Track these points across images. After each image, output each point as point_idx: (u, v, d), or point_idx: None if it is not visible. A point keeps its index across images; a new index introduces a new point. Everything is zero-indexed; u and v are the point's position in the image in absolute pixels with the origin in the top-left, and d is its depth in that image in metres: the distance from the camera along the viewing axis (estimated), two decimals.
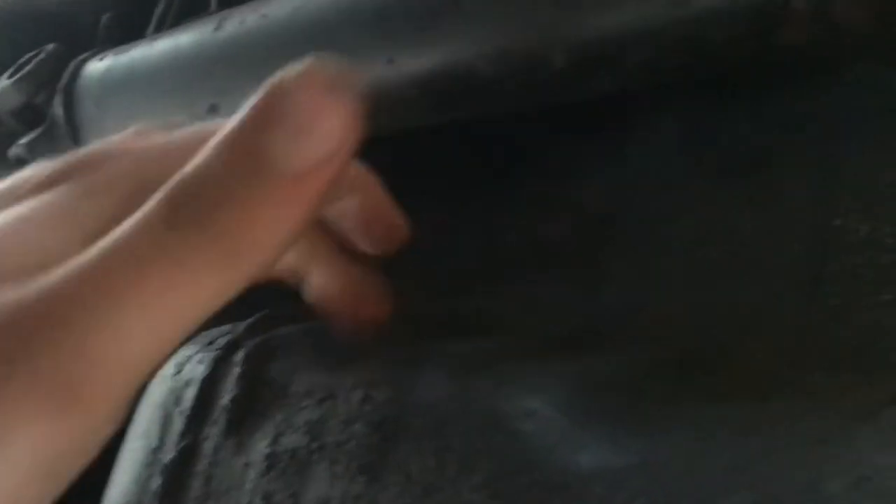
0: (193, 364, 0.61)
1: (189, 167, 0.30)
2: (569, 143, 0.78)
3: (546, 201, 0.75)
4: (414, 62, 0.65)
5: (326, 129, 0.33)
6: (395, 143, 0.88)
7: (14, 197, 0.37)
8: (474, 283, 0.76)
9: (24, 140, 0.87)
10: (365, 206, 0.54)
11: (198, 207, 0.29)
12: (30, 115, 0.88)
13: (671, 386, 0.51)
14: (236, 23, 0.75)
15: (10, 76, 0.89)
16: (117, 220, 0.32)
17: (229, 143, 0.30)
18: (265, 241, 0.30)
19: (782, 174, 0.67)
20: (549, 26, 0.61)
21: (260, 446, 0.55)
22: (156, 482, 0.57)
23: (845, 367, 0.60)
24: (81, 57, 0.86)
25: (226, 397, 0.58)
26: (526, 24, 0.62)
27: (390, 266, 0.85)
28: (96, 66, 0.84)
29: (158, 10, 1.08)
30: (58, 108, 0.84)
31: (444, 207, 0.82)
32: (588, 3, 0.59)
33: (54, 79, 0.85)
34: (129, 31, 1.04)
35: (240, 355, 0.60)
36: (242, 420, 0.57)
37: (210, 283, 0.30)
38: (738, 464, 0.40)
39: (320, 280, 0.54)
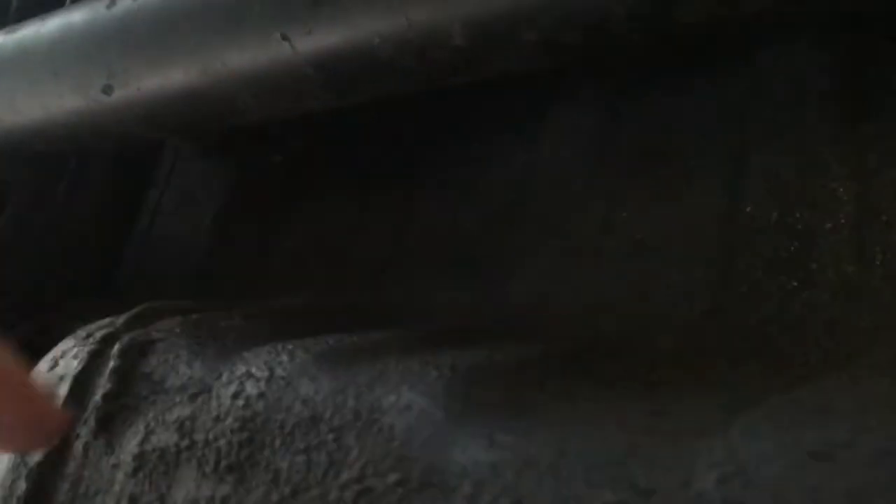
0: (68, 359, 0.57)
1: None
2: (476, 135, 0.75)
3: (454, 192, 0.73)
4: (308, 39, 0.62)
5: None
6: (302, 135, 0.85)
7: None
8: (381, 275, 0.73)
9: None
10: None
11: None
12: None
13: (563, 378, 0.48)
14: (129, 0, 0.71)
15: None
16: None
17: None
18: None
19: (693, 161, 0.65)
20: (447, 2, 0.58)
21: (130, 445, 0.51)
22: (21, 487, 0.53)
23: (751, 354, 0.58)
24: None
25: (98, 393, 0.54)
26: None
27: (299, 256, 0.81)
28: None
29: None
30: None
31: (351, 200, 0.79)
32: None
33: None
34: (45, 7, 0.99)
35: (116, 349, 0.56)
36: (114, 417, 0.53)
37: None
38: (612, 459, 0.37)
39: None
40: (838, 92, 0.62)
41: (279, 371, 0.49)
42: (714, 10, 0.51)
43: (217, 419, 0.48)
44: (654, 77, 0.70)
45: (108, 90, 0.72)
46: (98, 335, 0.58)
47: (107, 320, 0.60)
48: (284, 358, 0.50)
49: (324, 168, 0.82)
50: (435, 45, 0.58)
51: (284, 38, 0.62)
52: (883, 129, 0.61)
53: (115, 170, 0.96)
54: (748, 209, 0.63)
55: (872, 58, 0.62)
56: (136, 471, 0.50)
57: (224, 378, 0.50)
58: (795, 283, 0.59)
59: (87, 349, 0.57)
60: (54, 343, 0.61)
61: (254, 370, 0.50)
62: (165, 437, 0.50)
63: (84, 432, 0.54)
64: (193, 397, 0.50)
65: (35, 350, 0.62)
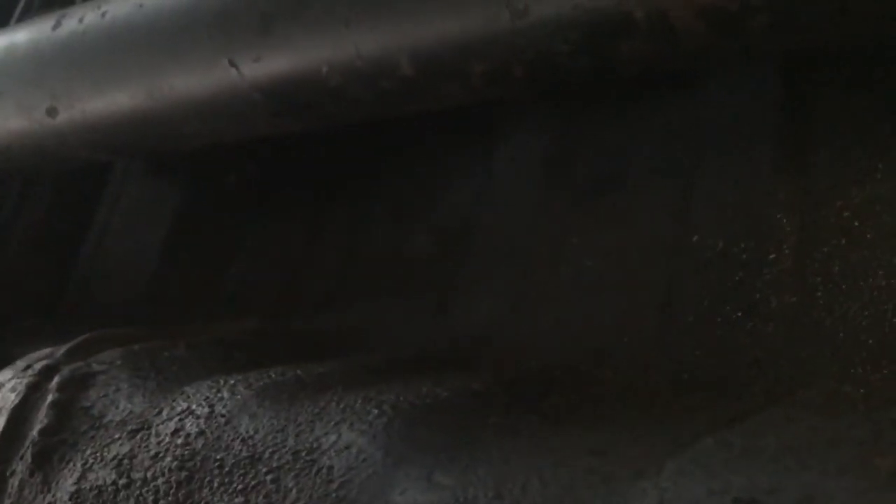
0: (5, 391, 0.56)
1: None
2: (428, 159, 0.75)
3: (405, 216, 0.72)
4: (257, 66, 0.61)
5: None
6: (254, 157, 0.84)
7: None
8: (332, 299, 0.73)
9: None
10: None
11: None
12: None
13: (507, 414, 0.48)
14: (75, 21, 0.70)
15: None
16: None
17: None
18: None
19: (640, 190, 0.65)
20: (395, 33, 0.58)
21: (67, 483, 0.50)
22: None
23: (695, 386, 0.58)
24: None
25: (35, 428, 0.53)
26: (372, 29, 0.58)
27: (248, 280, 0.81)
28: None
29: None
30: None
31: (301, 224, 0.78)
32: (433, 10, 0.56)
33: None
34: None
35: (55, 381, 0.55)
36: (51, 454, 0.52)
37: None
38: (548, 501, 0.37)
39: None
40: (784, 123, 0.63)
41: (219, 408, 0.49)
42: (654, 47, 0.52)
43: (156, 457, 0.47)
44: (603, 104, 0.70)
45: (52, 112, 0.71)
46: (37, 366, 0.57)
47: (47, 350, 0.59)
48: (225, 394, 0.50)
49: (275, 192, 0.82)
50: (383, 74, 0.58)
51: (232, 64, 0.61)
52: (828, 160, 0.62)
53: (60, 189, 0.94)
54: (695, 238, 0.63)
55: (818, 90, 0.63)
56: None
57: (164, 414, 0.50)
58: (740, 313, 0.60)
59: (25, 381, 0.56)
60: None
61: (194, 406, 0.49)
62: (103, 475, 0.49)
63: (20, 468, 0.52)
64: (133, 434, 0.49)
65: None
